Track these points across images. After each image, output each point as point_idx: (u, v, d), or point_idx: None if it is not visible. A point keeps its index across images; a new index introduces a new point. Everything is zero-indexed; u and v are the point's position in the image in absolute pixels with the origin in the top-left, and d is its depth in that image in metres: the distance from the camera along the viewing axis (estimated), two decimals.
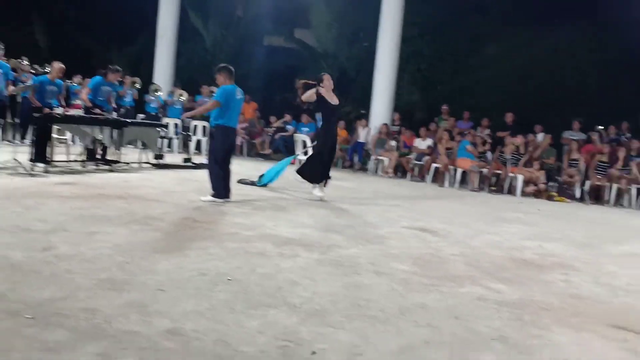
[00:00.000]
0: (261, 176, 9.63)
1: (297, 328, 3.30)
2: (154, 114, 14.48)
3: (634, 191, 12.71)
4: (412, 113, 16.71)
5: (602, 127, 14.23)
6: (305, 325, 3.36)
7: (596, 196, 12.96)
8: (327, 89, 8.62)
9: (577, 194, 13.02)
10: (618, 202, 12.79)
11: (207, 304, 3.55)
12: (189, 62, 19.16)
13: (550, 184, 13.06)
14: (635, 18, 14.65)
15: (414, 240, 6.23)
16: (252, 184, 9.48)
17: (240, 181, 9.32)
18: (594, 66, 16.97)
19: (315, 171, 8.76)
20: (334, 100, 8.66)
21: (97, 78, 10.48)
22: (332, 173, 9.11)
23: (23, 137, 12.15)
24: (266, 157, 15.71)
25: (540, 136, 14.04)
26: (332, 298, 3.91)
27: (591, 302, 4.47)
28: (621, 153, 13.10)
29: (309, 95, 8.70)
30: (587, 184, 13.03)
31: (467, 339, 3.42)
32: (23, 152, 8.97)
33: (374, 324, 3.50)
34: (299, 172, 9.00)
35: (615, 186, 12.79)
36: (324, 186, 8.80)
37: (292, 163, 10.81)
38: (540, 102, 16.19)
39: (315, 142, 9.47)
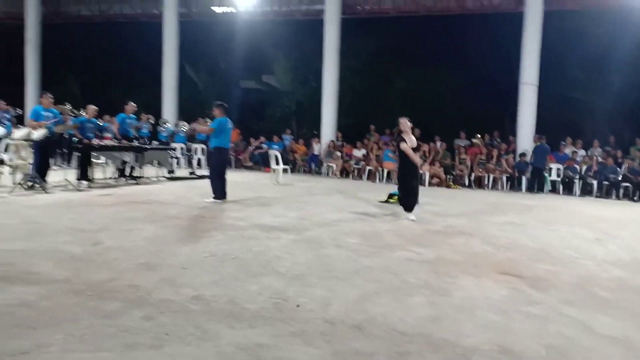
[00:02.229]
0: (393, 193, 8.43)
1: (284, 289, 3.31)
2: (165, 140, 14.16)
3: (504, 179, 13.11)
4: (349, 132, 16.76)
5: (480, 136, 14.62)
6: (290, 286, 3.38)
7: (479, 183, 13.32)
8: (405, 132, 6.69)
9: (466, 182, 13.35)
10: (494, 187, 13.14)
11: (219, 276, 3.53)
12: (187, 101, 18.82)
13: (448, 176, 13.36)
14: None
15: (359, 222, 6.29)
16: (387, 200, 8.43)
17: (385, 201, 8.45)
18: (469, 95, 17.42)
19: (409, 201, 6.74)
20: (412, 141, 6.72)
21: (121, 114, 10.41)
22: (296, 178, 8.66)
23: (69, 163, 11.74)
24: (248, 168, 15.62)
25: (438, 144, 14.32)
26: (307, 266, 3.94)
27: (484, 257, 4.61)
28: (494, 153, 13.53)
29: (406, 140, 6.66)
30: (473, 175, 13.38)
31: (402, 287, 3.49)
32: (71, 174, 8.73)
33: (338, 282, 3.54)
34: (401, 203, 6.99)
35: (491, 176, 13.19)
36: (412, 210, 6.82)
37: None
38: (436, 120, 16.49)
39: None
